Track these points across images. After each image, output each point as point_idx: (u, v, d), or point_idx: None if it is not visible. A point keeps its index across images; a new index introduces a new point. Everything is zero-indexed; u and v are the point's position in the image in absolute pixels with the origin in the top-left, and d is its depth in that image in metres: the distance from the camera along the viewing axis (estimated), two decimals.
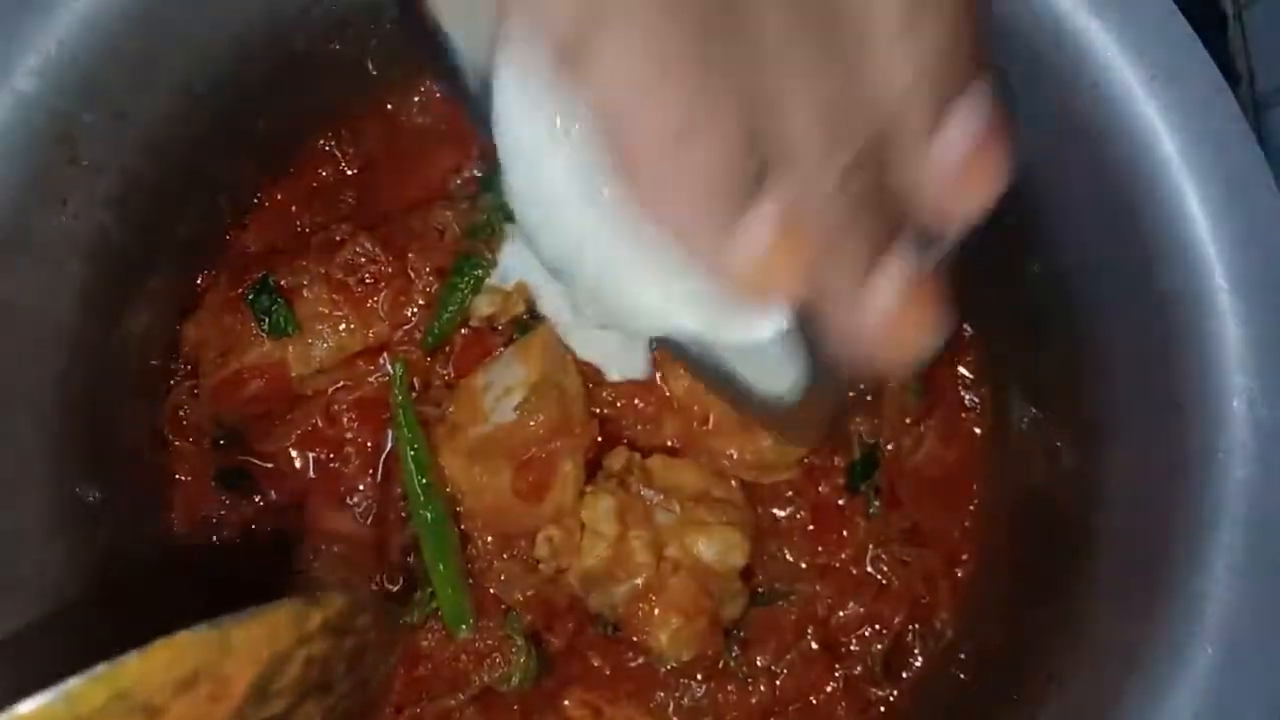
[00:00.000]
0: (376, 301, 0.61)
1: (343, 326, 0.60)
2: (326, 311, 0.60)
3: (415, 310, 0.61)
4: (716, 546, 0.59)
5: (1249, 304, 0.44)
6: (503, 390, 0.60)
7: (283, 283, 0.60)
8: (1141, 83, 0.45)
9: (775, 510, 0.64)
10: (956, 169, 0.26)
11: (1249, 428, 0.43)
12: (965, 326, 0.65)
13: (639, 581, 0.59)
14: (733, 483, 0.62)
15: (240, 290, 0.60)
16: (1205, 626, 0.43)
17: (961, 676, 0.60)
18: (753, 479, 0.62)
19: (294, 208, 0.64)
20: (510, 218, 0.61)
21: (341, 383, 0.62)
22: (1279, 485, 0.43)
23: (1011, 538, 0.61)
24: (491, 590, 0.60)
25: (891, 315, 0.27)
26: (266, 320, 0.59)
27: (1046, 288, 0.56)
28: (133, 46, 0.47)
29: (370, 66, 0.62)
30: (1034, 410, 0.60)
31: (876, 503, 0.64)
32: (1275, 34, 0.77)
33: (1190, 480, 0.45)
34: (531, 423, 0.58)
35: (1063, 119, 0.49)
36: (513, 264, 0.61)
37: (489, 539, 0.61)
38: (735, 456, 0.60)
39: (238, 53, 0.54)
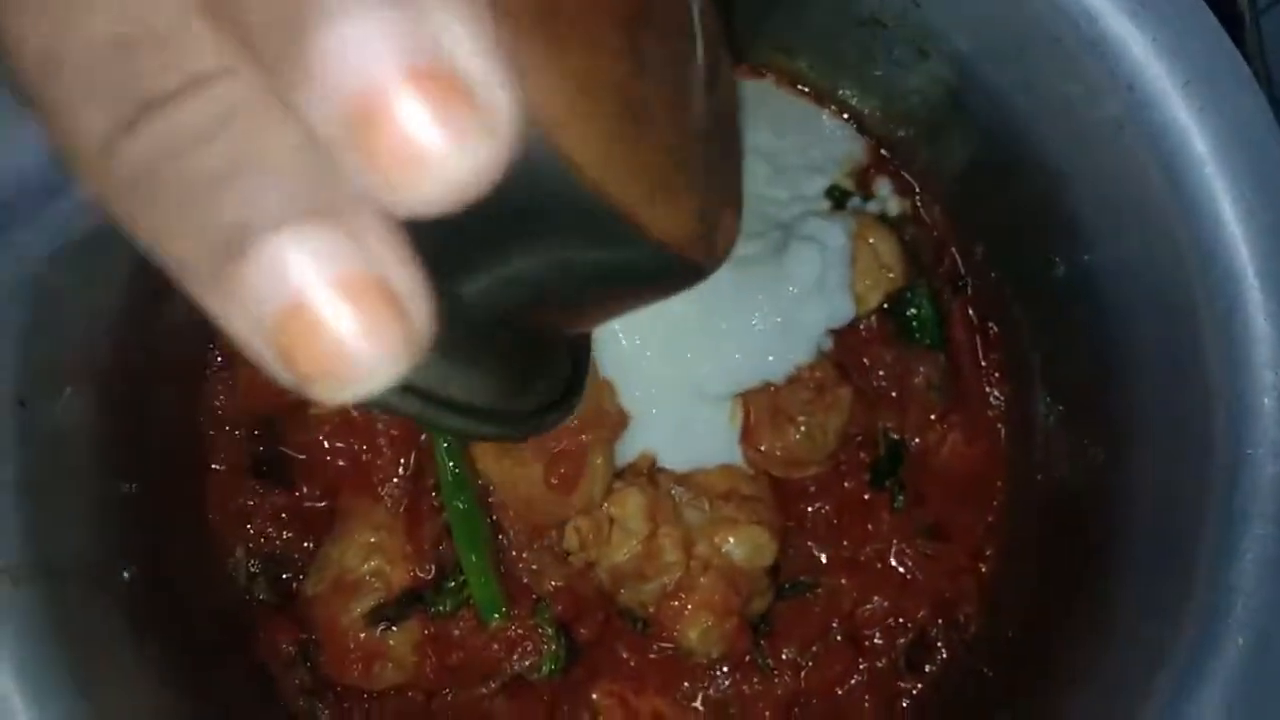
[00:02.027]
0: None
1: None
2: None
3: None
4: (745, 546, 0.60)
5: None
6: None
7: None
8: (1176, 85, 0.46)
9: (801, 505, 0.65)
10: (345, 115, 0.16)
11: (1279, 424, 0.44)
12: (990, 325, 0.66)
13: (669, 580, 0.60)
14: (761, 480, 0.63)
15: None
16: (1236, 620, 0.43)
17: (985, 671, 0.61)
18: (782, 474, 0.63)
19: None
20: None
21: None
22: None
23: (1036, 534, 0.62)
24: (524, 580, 0.61)
25: (284, 318, 0.17)
26: None
27: (1073, 286, 0.57)
28: None
29: None
30: (1060, 408, 0.60)
31: (901, 498, 0.64)
32: None
33: (1219, 476, 0.46)
34: None
35: (1094, 120, 0.50)
36: None
37: (519, 529, 0.61)
38: (765, 450, 0.61)
39: None
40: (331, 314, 0.17)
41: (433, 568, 0.61)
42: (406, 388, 0.27)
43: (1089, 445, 0.57)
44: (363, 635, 0.60)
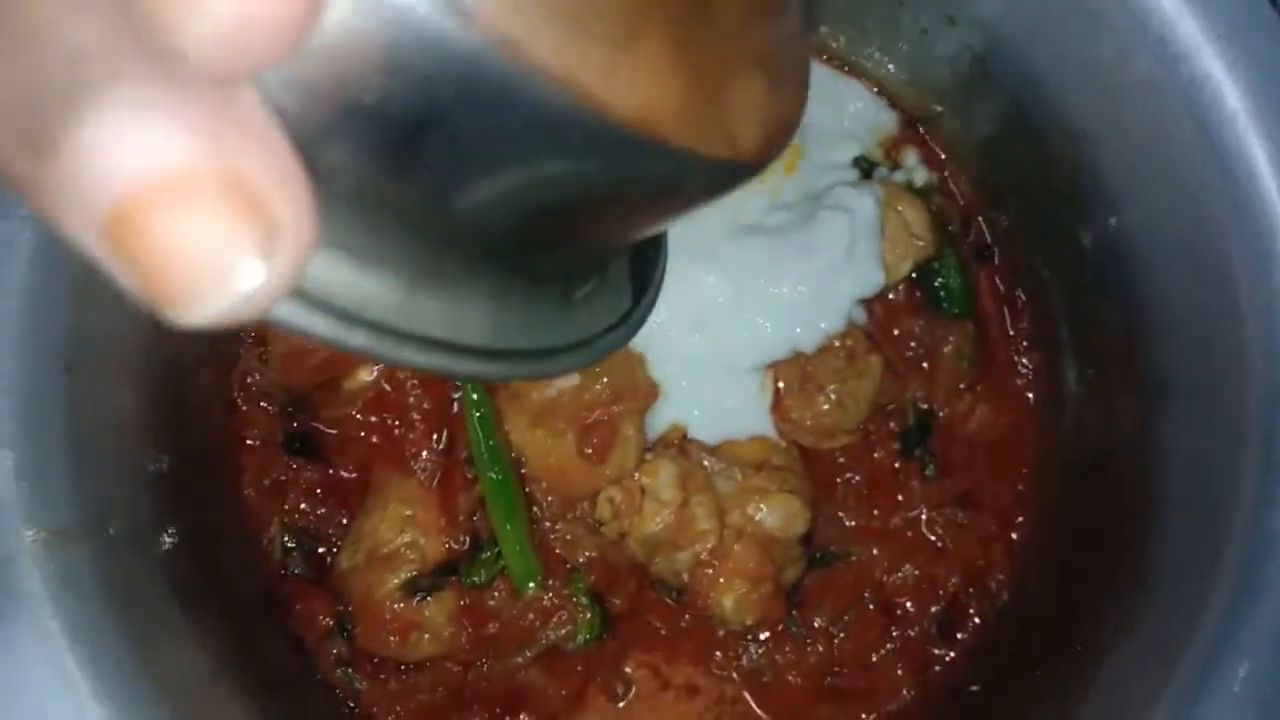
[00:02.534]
0: None
1: None
2: None
3: None
4: (778, 514, 0.60)
5: None
6: None
7: None
8: (1208, 39, 0.46)
9: (831, 475, 0.65)
10: None
11: None
12: (1018, 293, 0.66)
13: (702, 548, 0.60)
14: (792, 450, 0.63)
15: None
16: (1277, 563, 0.43)
17: (1019, 635, 0.61)
18: (811, 445, 0.63)
19: None
20: None
21: None
22: None
23: (1068, 499, 0.62)
24: (557, 551, 0.61)
25: (112, 223, 0.14)
26: None
27: (1103, 249, 0.57)
28: None
29: None
30: (1090, 372, 0.60)
31: (931, 467, 0.65)
32: None
33: (1255, 426, 0.46)
34: (596, 386, 0.59)
35: (1124, 76, 0.50)
36: None
37: (552, 500, 0.62)
38: (795, 419, 0.61)
39: None
40: (165, 209, 0.14)
41: (467, 539, 0.62)
42: (351, 318, 0.22)
43: (1121, 408, 0.57)
44: (398, 606, 0.60)
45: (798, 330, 0.61)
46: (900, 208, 0.62)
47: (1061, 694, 0.53)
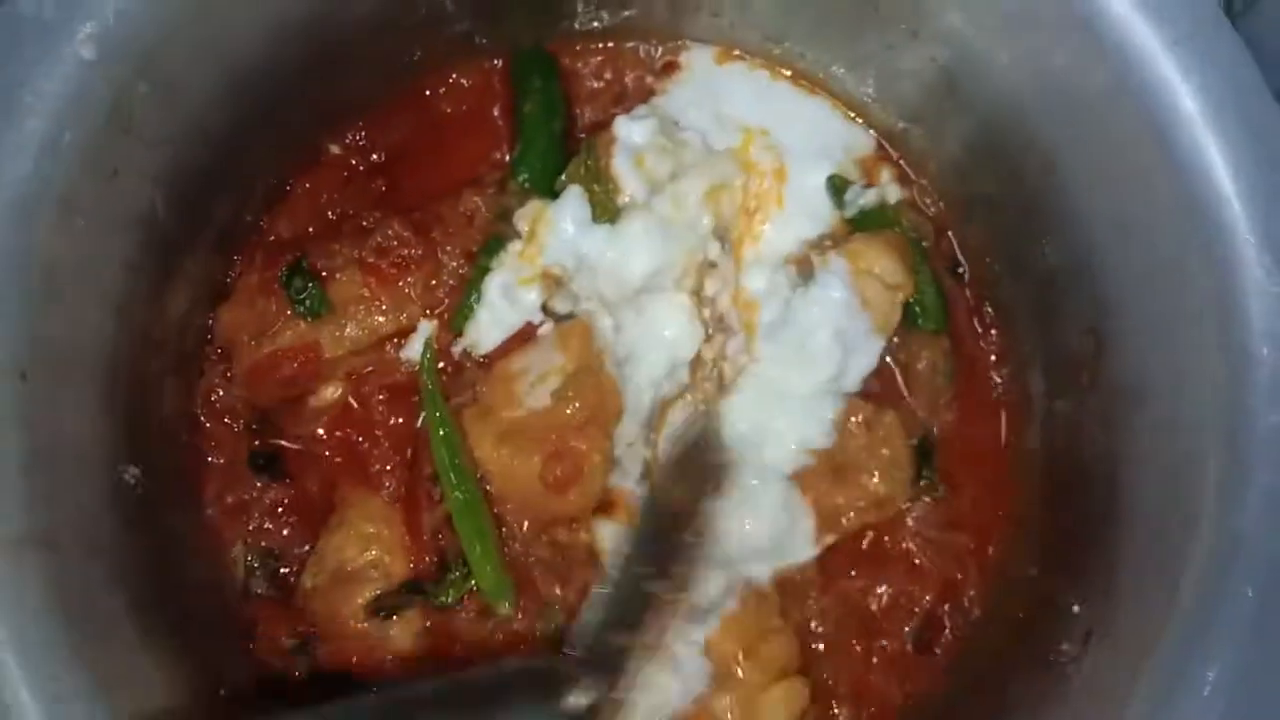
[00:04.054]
0: (408, 284, 0.62)
1: (375, 308, 0.62)
2: (359, 294, 0.61)
3: (446, 292, 0.62)
4: (780, 709, 0.59)
5: (1276, 256, 0.45)
6: (538, 376, 0.60)
7: (316, 265, 0.61)
8: (1164, 46, 0.47)
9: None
10: None
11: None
12: (988, 308, 0.66)
13: None
14: (777, 620, 0.61)
15: (274, 273, 0.61)
16: (1243, 564, 0.43)
17: (993, 648, 0.60)
18: (874, 519, 0.62)
19: (325, 195, 0.65)
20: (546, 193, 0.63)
21: (371, 367, 0.63)
22: None
23: (1040, 513, 0.61)
24: (530, 574, 0.60)
25: None
26: (300, 303, 0.60)
27: (1067, 259, 0.57)
28: (184, 22, 0.49)
29: (402, 56, 0.64)
30: (1058, 384, 0.60)
31: (941, 487, 0.63)
32: (1275, 37, 0.79)
33: (1221, 429, 0.46)
34: (568, 410, 0.59)
35: (1083, 85, 0.50)
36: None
37: (524, 523, 0.61)
38: (842, 503, 0.61)
39: (276, 37, 0.56)
40: None
41: (433, 558, 0.60)
42: None
43: (1087, 418, 0.57)
44: (363, 625, 0.59)
45: (810, 430, 0.62)
46: (867, 265, 0.61)
47: (1033, 703, 0.52)
